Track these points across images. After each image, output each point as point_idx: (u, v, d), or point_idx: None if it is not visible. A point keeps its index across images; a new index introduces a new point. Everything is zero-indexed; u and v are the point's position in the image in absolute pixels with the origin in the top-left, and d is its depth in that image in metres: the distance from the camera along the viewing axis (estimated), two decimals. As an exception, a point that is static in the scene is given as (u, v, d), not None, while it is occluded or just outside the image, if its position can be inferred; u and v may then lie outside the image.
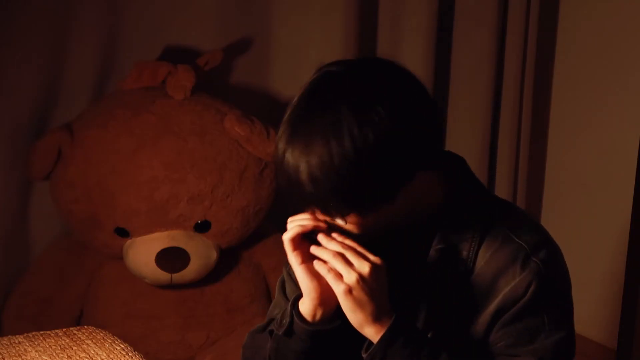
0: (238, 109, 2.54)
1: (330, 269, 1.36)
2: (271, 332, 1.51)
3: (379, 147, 1.28)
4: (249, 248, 2.68)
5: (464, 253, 1.42)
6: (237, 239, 2.59)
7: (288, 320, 1.44)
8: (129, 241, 2.50)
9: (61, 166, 2.47)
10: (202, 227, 2.51)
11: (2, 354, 1.79)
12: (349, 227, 1.36)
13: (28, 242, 2.66)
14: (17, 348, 1.82)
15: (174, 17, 2.64)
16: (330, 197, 1.31)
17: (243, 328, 2.57)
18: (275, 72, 2.78)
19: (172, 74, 2.53)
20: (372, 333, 1.37)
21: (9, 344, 1.84)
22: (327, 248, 1.37)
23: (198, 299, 2.57)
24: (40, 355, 1.79)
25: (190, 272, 2.49)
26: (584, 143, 2.88)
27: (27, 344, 1.83)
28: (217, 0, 2.68)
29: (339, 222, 1.35)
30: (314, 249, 1.38)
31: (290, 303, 1.45)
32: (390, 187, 1.32)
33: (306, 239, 1.40)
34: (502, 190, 2.92)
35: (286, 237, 1.39)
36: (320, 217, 1.38)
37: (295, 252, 1.40)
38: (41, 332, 1.89)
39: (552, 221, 2.91)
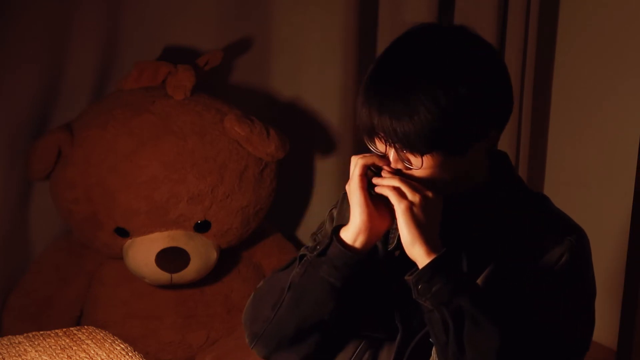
0: (238, 109, 2.54)
1: (394, 188, 1.43)
2: (301, 257, 1.54)
3: (479, 93, 1.41)
4: (249, 248, 2.68)
5: (504, 224, 1.50)
6: (237, 239, 2.59)
7: (327, 241, 1.49)
8: (129, 241, 2.50)
9: (61, 166, 2.47)
10: (202, 227, 2.51)
11: (2, 354, 1.80)
12: (418, 172, 1.44)
13: (28, 242, 2.66)
14: (17, 348, 1.82)
15: (174, 17, 2.64)
16: (426, 131, 1.39)
17: (243, 328, 2.57)
18: (275, 72, 2.78)
19: (172, 74, 2.53)
20: (422, 253, 1.42)
21: (9, 344, 1.84)
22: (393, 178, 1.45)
23: (198, 299, 2.57)
24: (40, 355, 1.79)
25: (190, 272, 2.49)
26: (584, 143, 2.88)
27: (27, 344, 1.83)
28: (217, 0, 2.68)
29: (415, 162, 1.43)
30: (377, 180, 1.45)
31: (332, 228, 1.50)
32: (475, 133, 1.44)
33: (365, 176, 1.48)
34: (502, 190, 2.92)
35: (361, 161, 1.46)
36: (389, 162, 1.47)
37: (361, 177, 1.46)
38: (41, 332, 1.89)
39: (552, 221, 2.90)
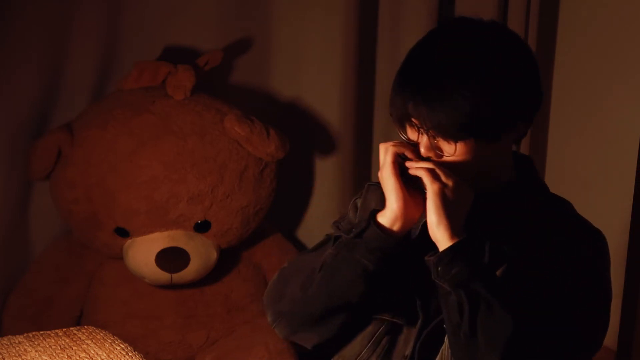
0: (238, 109, 2.54)
1: (428, 170, 1.46)
2: (336, 238, 1.56)
3: (511, 84, 1.46)
4: (249, 248, 2.68)
5: (527, 223, 1.53)
6: (237, 239, 2.59)
7: (364, 224, 1.51)
8: (129, 241, 2.50)
9: (61, 166, 2.47)
10: (202, 227, 2.51)
11: (2, 354, 1.80)
12: (449, 159, 1.48)
13: (28, 242, 2.66)
14: (17, 348, 1.82)
15: (174, 17, 2.64)
16: (460, 117, 1.43)
17: (243, 328, 2.57)
18: (275, 72, 2.78)
19: (172, 74, 2.53)
20: (445, 236, 1.44)
21: (9, 344, 1.84)
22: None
23: (198, 299, 2.57)
24: (40, 355, 1.79)
25: (190, 272, 2.49)
26: (584, 143, 2.88)
27: (27, 344, 1.83)
28: (217, 0, 2.68)
29: (447, 149, 1.47)
30: (411, 162, 1.49)
31: (370, 212, 1.53)
32: (506, 122, 1.48)
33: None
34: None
35: (392, 148, 1.49)
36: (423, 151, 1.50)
37: (393, 163, 1.49)
38: (41, 332, 1.89)
39: (552, 221, 2.90)
